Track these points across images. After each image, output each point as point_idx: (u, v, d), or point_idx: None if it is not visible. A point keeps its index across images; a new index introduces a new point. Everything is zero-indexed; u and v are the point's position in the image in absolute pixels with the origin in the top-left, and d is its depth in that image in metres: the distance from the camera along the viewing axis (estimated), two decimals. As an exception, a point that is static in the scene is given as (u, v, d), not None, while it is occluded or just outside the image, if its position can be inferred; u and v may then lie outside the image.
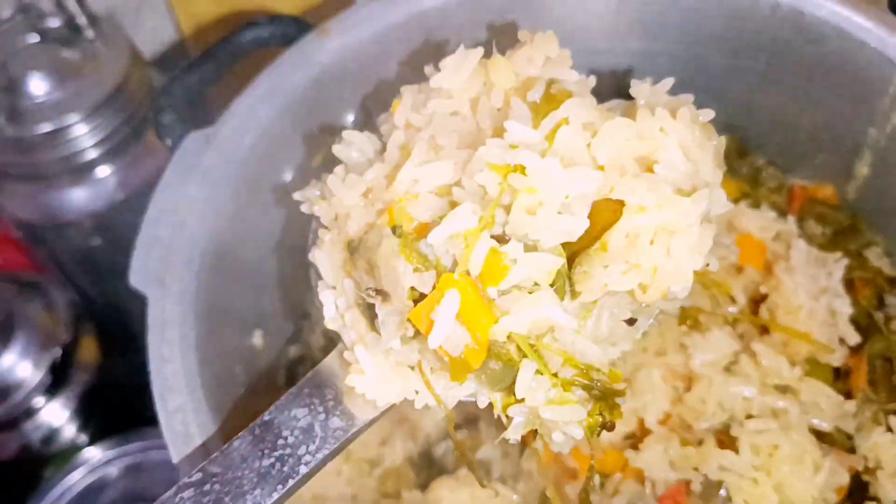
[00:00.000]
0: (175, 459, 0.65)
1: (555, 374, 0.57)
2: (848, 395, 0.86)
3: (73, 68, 1.13)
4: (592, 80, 0.67)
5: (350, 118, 0.95)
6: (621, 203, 0.56)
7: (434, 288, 0.57)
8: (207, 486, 0.60)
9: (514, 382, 0.57)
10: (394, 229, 0.58)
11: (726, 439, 0.78)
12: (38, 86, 1.11)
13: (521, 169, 0.56)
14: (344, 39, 0.90)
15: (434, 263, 0.57)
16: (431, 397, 0.61)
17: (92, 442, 1.08)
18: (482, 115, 0.62)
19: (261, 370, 0.89)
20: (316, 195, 0.66)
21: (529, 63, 0.63)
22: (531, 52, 0.63)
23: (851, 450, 0.83)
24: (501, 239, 0.57)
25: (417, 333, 0.58)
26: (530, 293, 0.56)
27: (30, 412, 1.10)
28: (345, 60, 0.91)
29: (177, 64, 1.39)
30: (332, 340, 0.96)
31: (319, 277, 0.64)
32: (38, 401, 1.11)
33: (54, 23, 1.17)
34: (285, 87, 0.87)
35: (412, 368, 0.61)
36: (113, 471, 1.07)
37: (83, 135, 1.11)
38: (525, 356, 0.56)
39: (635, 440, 0.82)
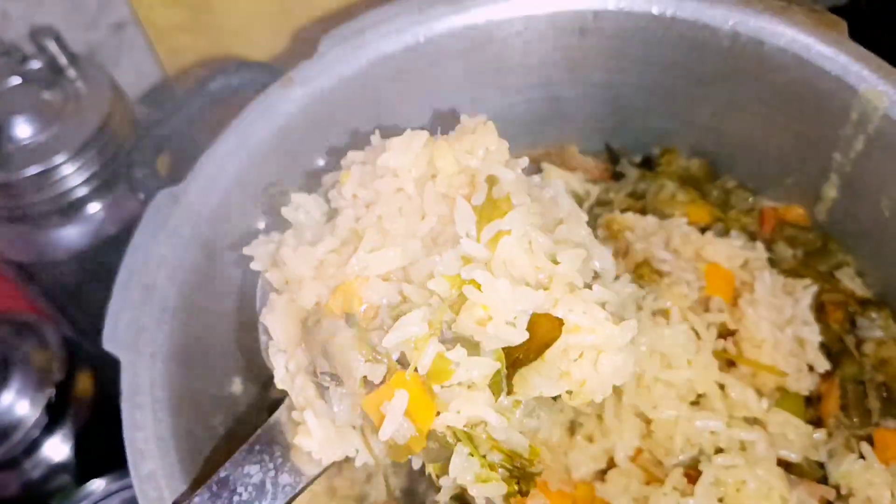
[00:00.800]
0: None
1: (483, 457, 0.62)
2: (820, 422, 0.87)
3: (56, 109, 1.15)
4: (524, 162, 0.71)
5: (320, 163, 0.97)
6: (560, 321, 0.62)
7: (384, 380, 0.62)
8: None
9: (448, 458, 0.63)
10: (347, 318, 0.62)
11: (696, 474, 0.79)
12: (22, 129, 1.12)
13: (476, 284, 0.61)
14: (308, 88, 0.92)
15: (385, 356, 0.62)
16: (370, 457, 0.66)
17: (92, 476, 1.10)
18: (428, 201, 0.66)
19: (242, 416, 0.91)
20: (266, 252, 0.69)
21: (471, 154, 0.67)
22: (472, 144, 0.68)
23: (823, 478, 0.84)
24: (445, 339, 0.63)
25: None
26: (469, 388, 0.61)
27: (29, 450, 1.13)
28: (310, 108, 0.92)
29: (162, 99, 1.42)
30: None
31: (270, 337, 0.67)
32: (38, 438, 1.13)
33: (35, 65, 1.18)
34: (251, 140, 0.89)
35: (354, 428, 0.66)
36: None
37: (70, 174, 1.13)
38: (459, 441, 0.61)
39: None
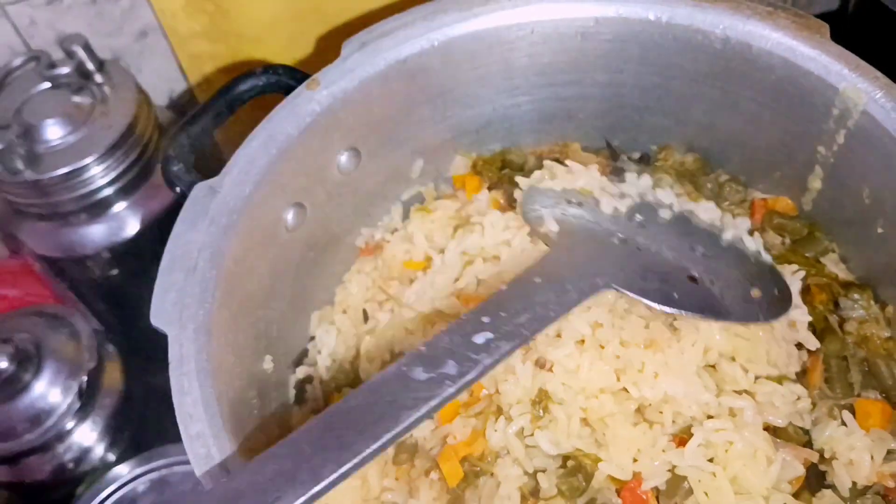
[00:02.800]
0: (199, 475, 0.74)
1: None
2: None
3: (84, 112, 1.21)
4: None
5: (342, 159, 1.04)
6: None
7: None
8: None
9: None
10: None
11: (687, 438, 0.85)
12: (53, 131, 1.18)
13: None
14: (331, 90, 0.99)
15: None
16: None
17: (120, 460, 1.16)
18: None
19: (272, 391, 0.98)
20: None
21: None
22: None
23: (808, 444, 0.91)
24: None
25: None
26: None
27: (61, 435, 1.18)
28: (333, 108, 0.99)
29: (183, 102, 1.48)
30: (335, 361, 1.06)
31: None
32: (69, 424, 1.18)
33: (64, 70, 1.23)
34: (279, 137, 0.95)
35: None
36: (140, 486, 1.15)
37: (98, 174, 1.19)
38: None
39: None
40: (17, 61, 1.26)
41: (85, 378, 1.20)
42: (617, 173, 1.14)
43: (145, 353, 1.31)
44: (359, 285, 1.09)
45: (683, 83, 1.04)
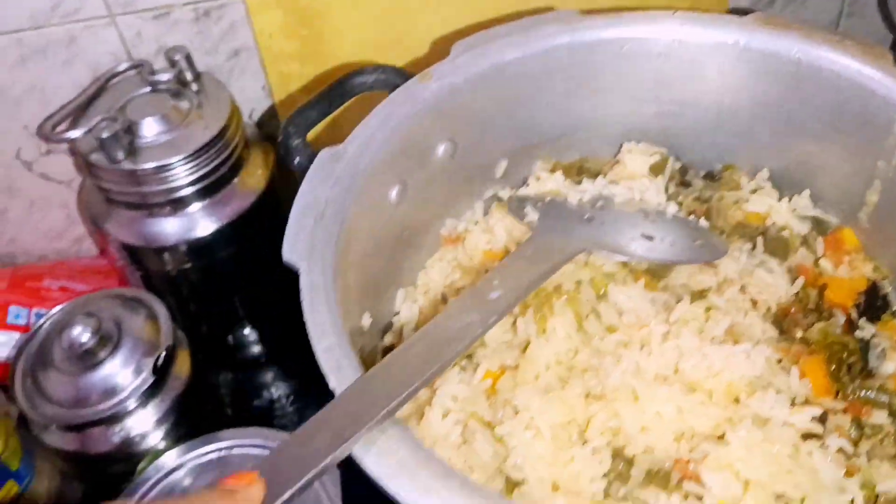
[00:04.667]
0: (331, 384, 0.80)
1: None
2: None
3: (181, 115, 1.29)
4: None
5: (442, 147, 1.13)
6: None
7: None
8: None
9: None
10: None
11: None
12: (150, 128, 1.26)
13: None
14: (441, 83, 1.10)
15: None
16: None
17: (181, 441, 1.20)
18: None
19: (365, 349, 1.03)
20: None
21: None
22: None
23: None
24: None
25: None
26: None
27: (130, 410, 1.21)
28: (441, 100, 1.10)
29: (265, 119, 1.58)
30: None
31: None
32: (138, 402, 1.21)
33: (164, 77, 1.33)
34: (394, 118, 1.06)
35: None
36: (199, 465, 1.17)
37: (184, 173, 1.26)
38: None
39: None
40: (122, 66, 1.37)
41: (162, 354, 1.23)
42: (686, 185, 1.24)
43: (210, 346, 1.36)
44: (440, 272, 1.17)
45: (752, 104, 1.15)
